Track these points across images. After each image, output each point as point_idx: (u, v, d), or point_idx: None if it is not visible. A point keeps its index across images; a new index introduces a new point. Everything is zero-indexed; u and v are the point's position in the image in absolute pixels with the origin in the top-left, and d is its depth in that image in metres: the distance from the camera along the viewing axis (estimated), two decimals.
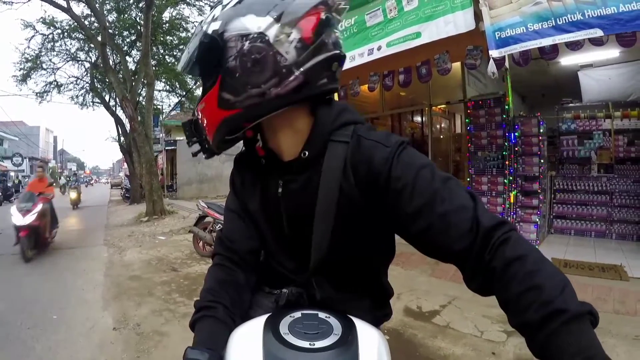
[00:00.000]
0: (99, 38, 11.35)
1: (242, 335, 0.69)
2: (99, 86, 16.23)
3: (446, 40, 3.58)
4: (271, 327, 0.66)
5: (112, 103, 16.58)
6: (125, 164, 22.28)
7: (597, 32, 2.83)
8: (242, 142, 0.84)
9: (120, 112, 15.84)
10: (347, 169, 0.71)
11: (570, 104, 6.30)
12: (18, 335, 3.01)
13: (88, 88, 16.43)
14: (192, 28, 13.67)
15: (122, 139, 17.14)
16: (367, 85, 5.89)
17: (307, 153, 0.74)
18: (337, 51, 0.70)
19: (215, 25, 0.69)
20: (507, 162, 4.81)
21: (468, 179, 5.41)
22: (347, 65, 4.11)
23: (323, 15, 0.67)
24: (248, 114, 0.70)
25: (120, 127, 16.83)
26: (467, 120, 5.49)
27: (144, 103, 12.92)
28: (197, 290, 4.13)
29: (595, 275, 3.58)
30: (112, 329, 3.11)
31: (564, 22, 2.89)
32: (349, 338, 0.64)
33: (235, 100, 0.68)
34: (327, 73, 0.69)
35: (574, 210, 5.47)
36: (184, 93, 15.81)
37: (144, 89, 13.31)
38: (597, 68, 5.75)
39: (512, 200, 4.74)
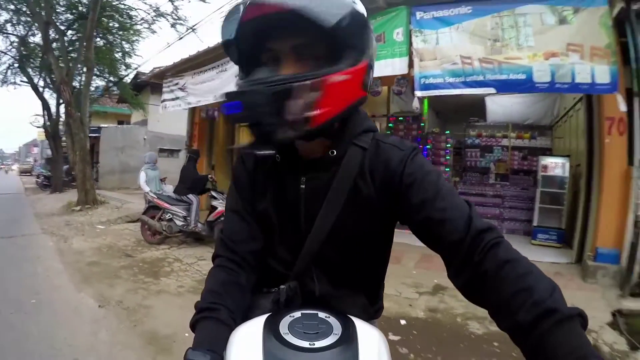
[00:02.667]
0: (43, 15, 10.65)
1: (242, 335, 0.68)
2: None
3: None
4: (271, 327, 0.67)
5: (40, 84, 15.35)
6: (35, 148, 20.46)
7: (492, 90, 4.02)
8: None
9: (47, 95, 14.84)
10: (364, 170, 0.77)
11: (477, 123, 7.83)
12: (6, 320, 3.13)
13: (13, 65, 15.02)
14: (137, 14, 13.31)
15: (47, 122, 15.91)
16: None
17: (335, 152, 0.77)
18: None
19: (363, 11, 0.71)
20: None
21: None
22: None
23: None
24: (360, 104, 0.75)
25: (47, 110, 15.66)
26: (387, 132, 6.64)
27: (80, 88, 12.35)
28: (160, 272, 4.65)
29: None
30: (97, 307, 3.47)
31: (471, 80, 4.01)
32: (349, 338, 0.65)
33: (366, 89, 0.74)
34: None
35: None
36: (114, 79, 15.05)
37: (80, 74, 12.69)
38: (502, 95, 7.14)
39: None
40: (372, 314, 0.89)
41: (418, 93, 4.25)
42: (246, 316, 0.78)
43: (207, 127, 9.37)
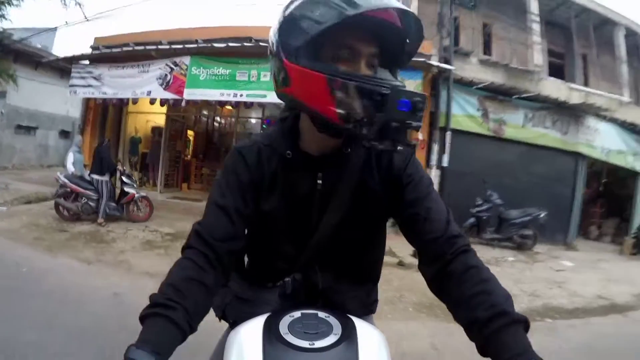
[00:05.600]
0: None
1: (241, 335, 0.68)
2: None
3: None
4: (271, 327, 0.67)
5: None
6: None
7: None
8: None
9: None
10: (371, 166, 0.84)
11: None
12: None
13: None
14: None
15: None
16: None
17: (349, 150, 0.81)
18: None
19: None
20: None
21: None
22: (220, 98, 7.14)
23: None
24: None
25: None
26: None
27: None
28: (105, 239, 5.44)
29: None
30: (87, 264, 4.29)
31: None
32: (349, 337, 0.65)
33: None
34: None
35: None
36: None
37: None
38: None
39: None
40: (369, 306, 0.96)
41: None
42: (249, 314, 0.79)
43: (100, 113, 9.59)
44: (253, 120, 10.38)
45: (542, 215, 7.25)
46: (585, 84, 10.73)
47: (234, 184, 0.82)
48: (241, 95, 7.08)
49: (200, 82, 7.30)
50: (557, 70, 10.97)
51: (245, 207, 0.81)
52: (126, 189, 6.62)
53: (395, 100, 0.66)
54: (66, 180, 6.35)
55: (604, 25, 11.18)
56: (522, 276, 5.48)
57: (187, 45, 7.39)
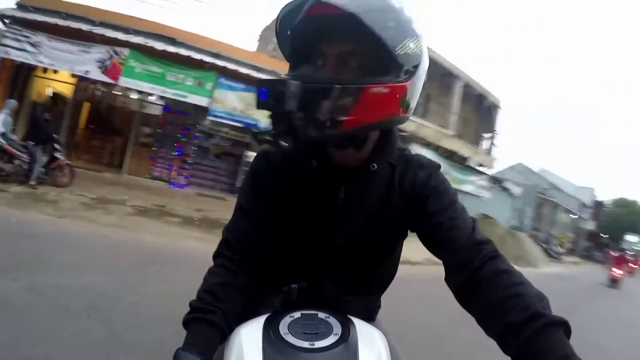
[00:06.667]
0: None
1: (241, 335, 0.68)
2: None
3: None
4: (271, 328, 0.67)
5: None
6: None
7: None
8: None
9: None
10: (394, 183, 0.82)
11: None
12: None
13: None
14: None
15: None
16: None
17: (375, 166, 0.79)
18: None
19: (419, 31, 0.71)
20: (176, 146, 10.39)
21: (154, 148, 10.15)
22: (150, 91, 9.02)
23: None
24: (398, 123, 0.76)
25: None
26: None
27: None
28: (46, 199, 6.02)
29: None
30: (58, 218, 5.22)
31: (235, 116, 9.18)
32: (349, 338, 0.65)
33: (408, 108, 0.74)
34: None
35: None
36: None
37: None
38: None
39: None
40: (375, 309, 0.95)
41: (210, 117, 9.24)
42: (251, 315, 0.77)
43: (14, 75, 9.61)
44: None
45: None
46: (424, 116, 14.85)
47: (259, 189, 0.83)
48: (167, 92, 8.90)
49: (136, 74, 8.63)
50: None
51: (270, 212, 0.82)
52: (56, 154, 7.06)
53: (257, 91, 0.64)
54: (4, 142, 6.52)
55: (448, 75, 15.46)
56: None
57: (130, 40, 8.53)
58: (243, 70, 9.31)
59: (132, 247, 4.85)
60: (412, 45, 0.68)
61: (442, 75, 15.07)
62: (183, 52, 8.87)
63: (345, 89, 0.64)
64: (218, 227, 6.54)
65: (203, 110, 9.45)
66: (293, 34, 0.73)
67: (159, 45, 8.76)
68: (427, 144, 13.68)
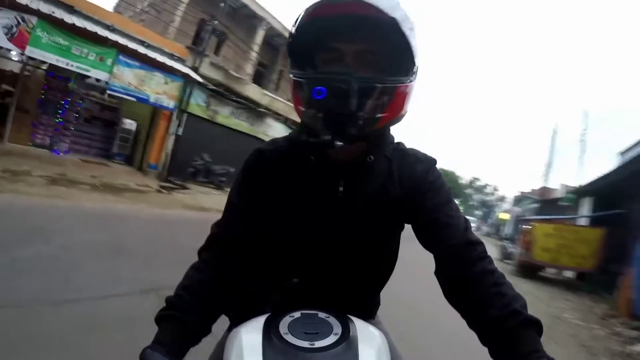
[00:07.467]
0: None
1: (241, 335, 0.67)
2: None
3: None
4: (271, 327, 0.67)
5: None
6: None
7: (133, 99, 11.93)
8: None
9: None
10: (393, 177, 0.83)
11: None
12: None
13: None
14: None
15: None
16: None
17: (372, 158, 0.80)
18: None
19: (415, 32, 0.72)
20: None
21: (37, 115, 10.13)
22: (56, 63, 8.93)
23: None
24: (401, 119, 0.77)
25: None
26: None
27: None
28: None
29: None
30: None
31: (130, 90, 11.28)
32: (349, 337, 0.65)
33: (404, 112, 0.75)
34: None
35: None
36: None
37: None
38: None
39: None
40: (371, 310, 0.94)
41: (109, 91, 9.90)
42: (250, 310, 0.77)
43: None
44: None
45: (232, 170, 12.22)
46: (276, 90, 16.36)
47: (251, 184, 0.82)
48: (72, 65, 8.99)
49: (42, 44, 8.37)
50: (259, 77, 16.00)
51: (262, 208, 0.81)
52: None
53: (310, 88, 0.65)
54: None
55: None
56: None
57: (41, 10, 8.06)
58: (141, 49, 10.13)
59: (102, 214, 5.67)
60: (419, 47, 0.72)
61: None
62: (79, 23, 8.88)
63: (386, 87, 0.68)
64: (120, 192, 7.89)
65: (84, 78, 9.93)
66: (306, 36, 0.72)
67: (63, 16, 8.61)
68: (277, 115, 15.37)
